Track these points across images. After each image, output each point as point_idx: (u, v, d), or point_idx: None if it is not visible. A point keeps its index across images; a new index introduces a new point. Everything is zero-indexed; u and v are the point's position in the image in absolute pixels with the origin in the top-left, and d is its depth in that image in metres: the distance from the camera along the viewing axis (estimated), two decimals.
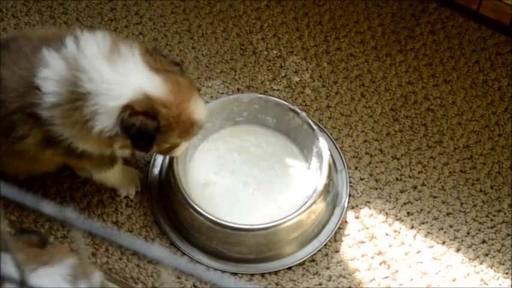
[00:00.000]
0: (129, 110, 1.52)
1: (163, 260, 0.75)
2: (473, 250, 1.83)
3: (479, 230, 1.85)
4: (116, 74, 1.52)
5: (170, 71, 1.58)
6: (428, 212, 1.87)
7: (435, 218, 1.87)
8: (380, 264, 1.81)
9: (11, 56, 1.58)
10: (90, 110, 1.52)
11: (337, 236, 1.84)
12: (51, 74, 1.53)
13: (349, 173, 1.91)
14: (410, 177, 1.91)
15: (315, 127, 1.85)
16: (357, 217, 1.86)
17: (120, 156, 1.71)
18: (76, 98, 1.52)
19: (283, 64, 2.05)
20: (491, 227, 1.85)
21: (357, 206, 1.87)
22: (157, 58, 1.59)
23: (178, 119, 1.56)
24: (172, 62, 1.62)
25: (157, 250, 0.75)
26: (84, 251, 0.75)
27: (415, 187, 1.90)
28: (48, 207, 0.74)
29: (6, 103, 1.56)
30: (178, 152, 1.71)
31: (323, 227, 1.83)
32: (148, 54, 1.58)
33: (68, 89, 1.52)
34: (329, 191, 1.82)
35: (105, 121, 1.53)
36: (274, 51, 2.07)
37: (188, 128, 1.60)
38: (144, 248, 0.75)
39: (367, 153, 1.94)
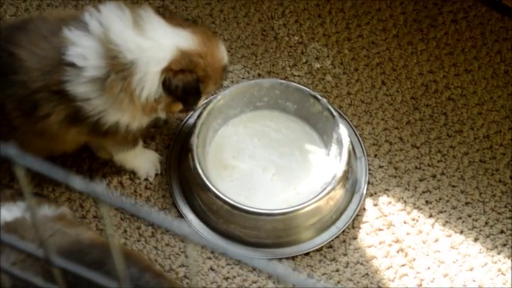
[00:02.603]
0: (170, 72, 1.58)
1: (191, 236, 0.75)
2: (491, 240, 1.83)
3: (497, 220, 1.85)
4: (150, 40, 1.57)
5: (189, 25, 1.65)
6: (447, 201, 1.87)
7: (454, 207, 1.86)
8: (397, 252, 1.81)
9: (28, 38, 1.58)
10: (137, 78, 1.57)
11: (355, 223, 1.84)
12: (83, 51, 1.55)
13: (368, 160, 1.91)
14: (429, 166, 1.91)
15: (335, 114, 1.85)
16: (375, 204, 1.86)
17: (163, 117, 1.75)
18: (121, 69, 1.56)
19: (304, 50, 2.05)
20: (510, 217, 1.85)
21: (375, 193, 1.87)
22: (172, 16, 1.65)
23: (213, 66, 1.63)
24: (184, 19, 1.68)
25: (185, 226, 0.75)
26: (110, 227, 0.76)
27: (434, 176, 1.90)
28: (77, 181, 0.75)
29: (27, 83, 1.57)
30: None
31: (341, 214, 1.83)
32: (161, 15, 1.63)
33: (109, 62, 1.55)
34: (348, 177, 1.82)
35: (151, 87, 1.58)
36: (296, 37, 2.07)
37: (221, 74, 1.69)
38: (172, 224, 0.75)
39: (386, 141, 1.94)
